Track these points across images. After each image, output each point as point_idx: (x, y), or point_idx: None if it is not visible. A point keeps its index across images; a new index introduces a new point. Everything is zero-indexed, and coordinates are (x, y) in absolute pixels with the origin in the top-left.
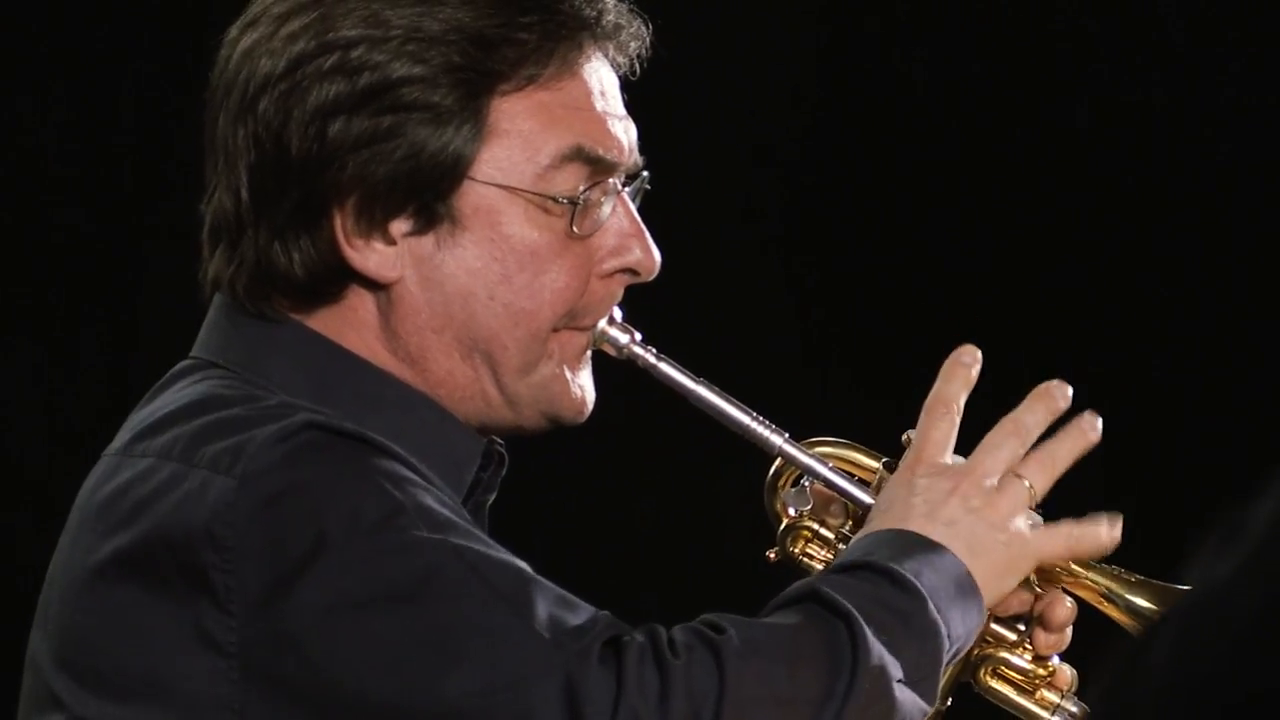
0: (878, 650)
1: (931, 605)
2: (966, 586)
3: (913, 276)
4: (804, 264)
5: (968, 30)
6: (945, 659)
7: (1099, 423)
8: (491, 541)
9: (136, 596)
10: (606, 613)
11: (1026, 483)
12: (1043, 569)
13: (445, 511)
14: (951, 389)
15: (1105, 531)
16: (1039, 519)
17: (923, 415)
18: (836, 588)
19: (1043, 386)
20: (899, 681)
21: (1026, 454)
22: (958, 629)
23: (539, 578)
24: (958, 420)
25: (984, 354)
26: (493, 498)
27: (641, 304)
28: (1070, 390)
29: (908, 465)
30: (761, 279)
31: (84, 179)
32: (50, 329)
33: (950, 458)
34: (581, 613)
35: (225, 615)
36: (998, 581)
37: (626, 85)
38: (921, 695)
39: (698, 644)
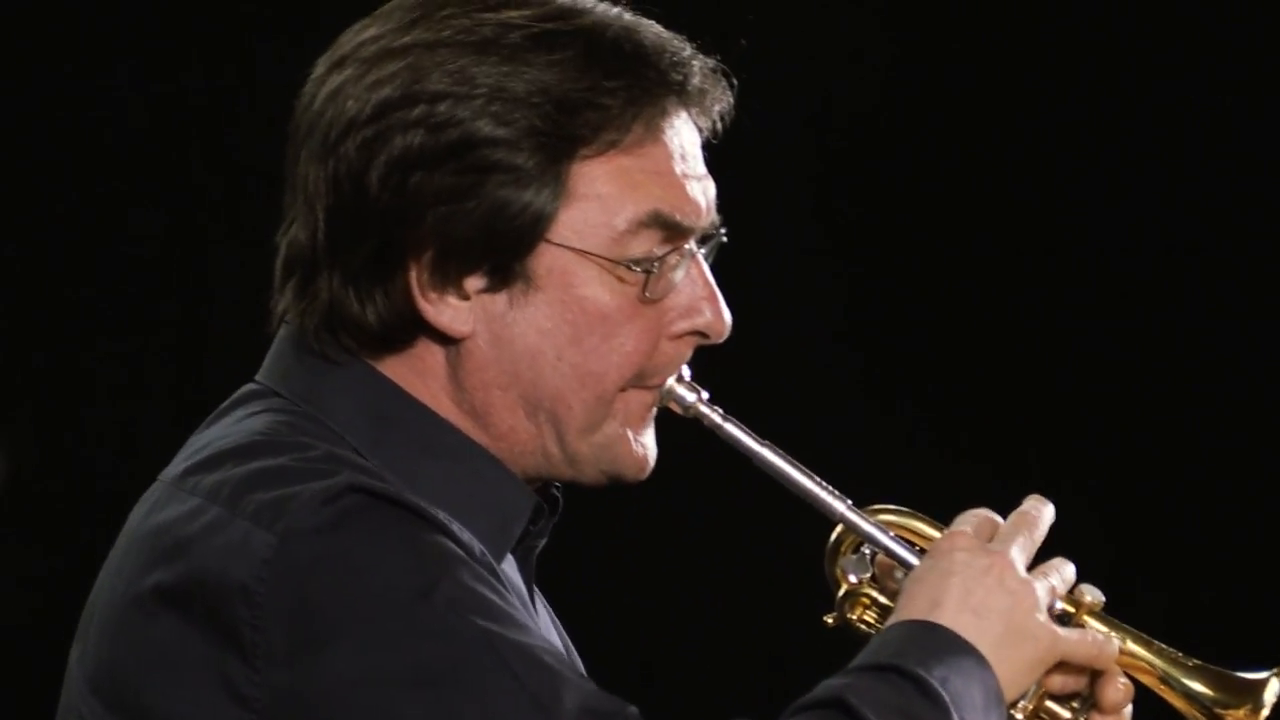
0: None
1: (955, 717)
2: (992, 691)
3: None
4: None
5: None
6: None
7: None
8: (522, 620)
9: (170, 635)
10: (635, 710)
11: (1054, 578)
12: None
13: (481, 589)
14: (1037, 517)
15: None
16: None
17: (969, 511)
18: (863, 698)
19: (1037, 497)
20: None
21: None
22: None
23: (570, 672)
24: (1029, 536)
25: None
26: (543, 544)
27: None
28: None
29: (947, 536)
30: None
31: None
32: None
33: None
34: (612, 713)
35: (251, 670)
36: (1021, 678)
37: None
38: None
39: None
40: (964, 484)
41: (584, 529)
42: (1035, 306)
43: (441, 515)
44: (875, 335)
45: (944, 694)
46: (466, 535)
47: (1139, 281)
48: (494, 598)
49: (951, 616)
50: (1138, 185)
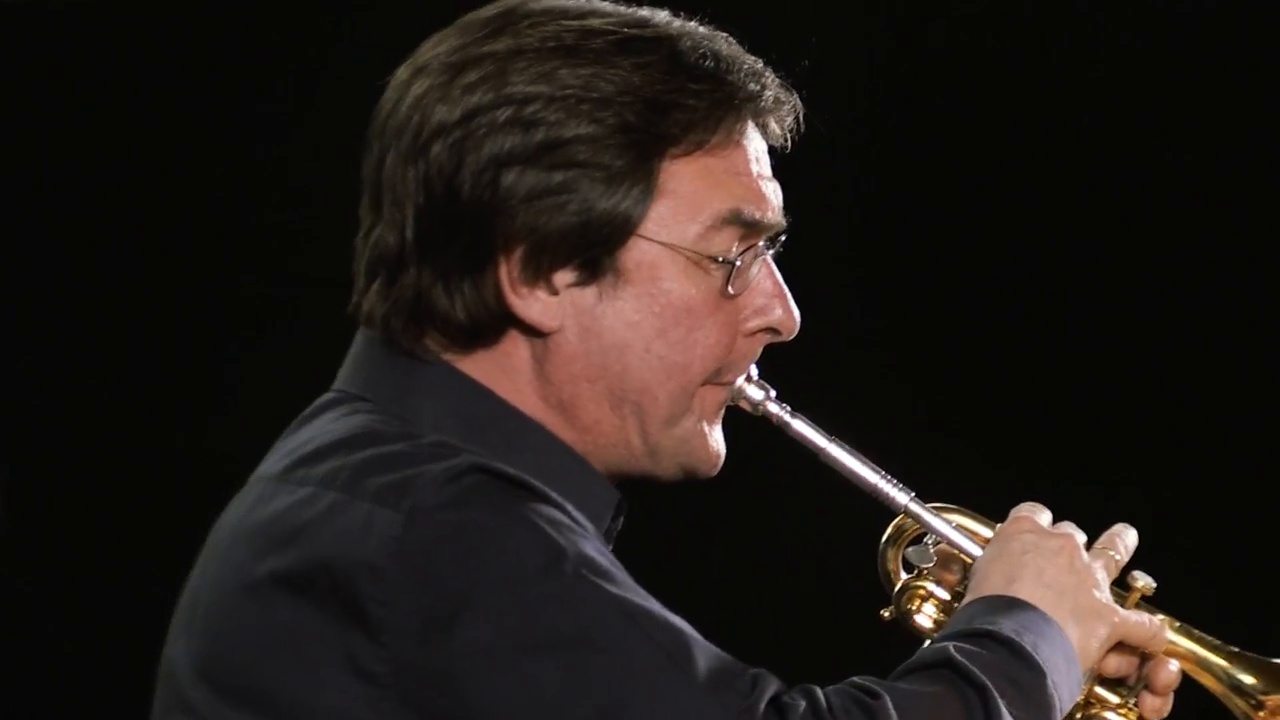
0: None
1: (1049, 680)
2: (1072, 659)
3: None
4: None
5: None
6: None
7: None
8: (646, 593)
9: (290, 617)
10: (764, 670)
11: (1115, 555)
12: None
13: (604, 561)
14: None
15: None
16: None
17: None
18: (969, 658)
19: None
20: None
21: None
22: (1066, 700)
23: (696, 634)
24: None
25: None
26: (610, 545)
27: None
28: None
29: (1013, 520)
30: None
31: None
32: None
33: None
34: (741, 671)
35: (377, 646)
36: (1089, 654)
37: None
38: None
39: (855, 709)
40: (982, 489)
41: (642, 529)
42: (1056, 312)
43: (555, 495)
44: (894, 343)
45: (1038, 658)
46: (580, 515)
47: (1168, 290)
48: (614, 567)
49: (1029, 591)
50: (1170, 195)
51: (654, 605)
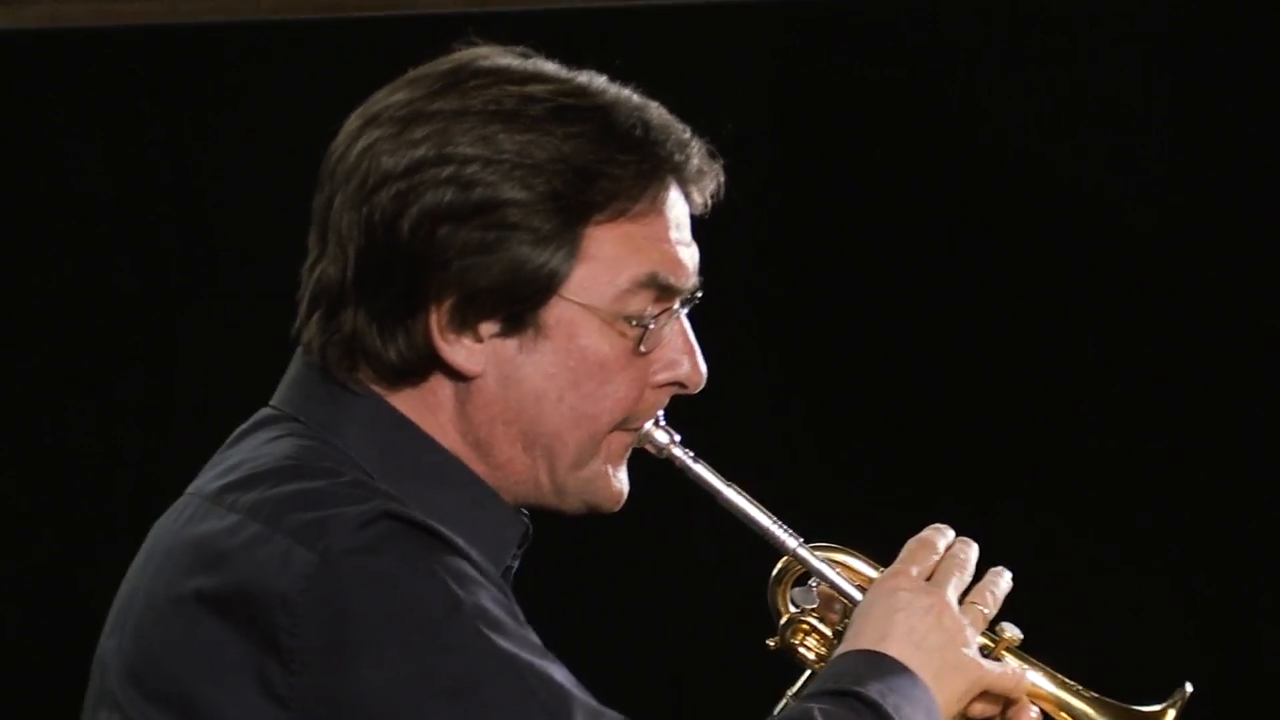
0: None
1: None
2: (934, 716)
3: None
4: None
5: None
6: None
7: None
8: (533, 639)
9: (212, 635)
10: None
11: (984, 609)
12: None
13: (498, 611)
14: (936, 539)
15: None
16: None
17: (910, 545)
18: (832, 718)
19: (964, 540)
20: None
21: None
22: None
23: (574, 689)
24: (960, 577)
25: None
26: (516, 564)
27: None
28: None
29: (892, 573)
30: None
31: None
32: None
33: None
34: None
35: (287, 672)
36: (952, 706)
37: None
38: None
39: None
40: (886, 526)
41: (552, 553)
42: (958, 357)
43: (460, 541)
44: (798, 393)
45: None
46: (482, 560)
47: (1069, 324)
48: (509, 619)
49: (898, 649)
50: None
51: (538, 659)
